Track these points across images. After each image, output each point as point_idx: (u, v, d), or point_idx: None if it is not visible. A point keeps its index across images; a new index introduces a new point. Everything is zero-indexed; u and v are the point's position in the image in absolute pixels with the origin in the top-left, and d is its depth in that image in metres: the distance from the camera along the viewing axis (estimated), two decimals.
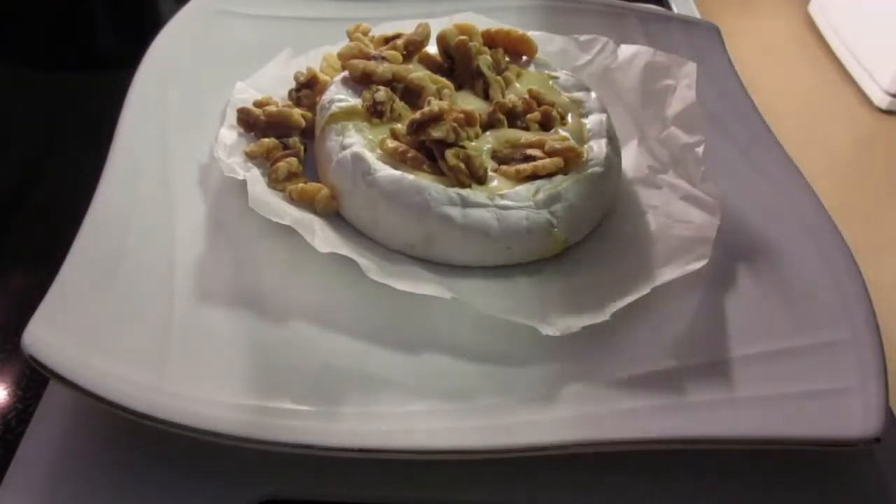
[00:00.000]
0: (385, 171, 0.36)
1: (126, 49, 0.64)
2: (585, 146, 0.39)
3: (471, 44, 0.42)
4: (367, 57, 0.42)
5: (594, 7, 0.55)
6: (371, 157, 0.37)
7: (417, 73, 0.41)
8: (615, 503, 0.31)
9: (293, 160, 0.39)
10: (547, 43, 0.48)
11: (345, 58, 0.42)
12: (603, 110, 0.42)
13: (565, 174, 0.38)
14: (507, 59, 0.44)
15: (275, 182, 0.39)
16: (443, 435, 0.29)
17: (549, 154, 0.38)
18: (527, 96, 0.41)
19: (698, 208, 0.39)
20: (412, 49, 0.43)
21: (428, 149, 0.37)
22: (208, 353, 0.32)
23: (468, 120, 0.38)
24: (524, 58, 0.46)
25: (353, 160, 0.37)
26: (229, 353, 0.32)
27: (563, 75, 0.45)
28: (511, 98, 0.40)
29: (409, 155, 0.37)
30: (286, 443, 0.28)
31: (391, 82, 0.41)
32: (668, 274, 0.35)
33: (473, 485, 0.31)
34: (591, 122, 0.41)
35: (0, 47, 0.61)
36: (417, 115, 0.37)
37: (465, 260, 0.37)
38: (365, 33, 0.45)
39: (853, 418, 0.30)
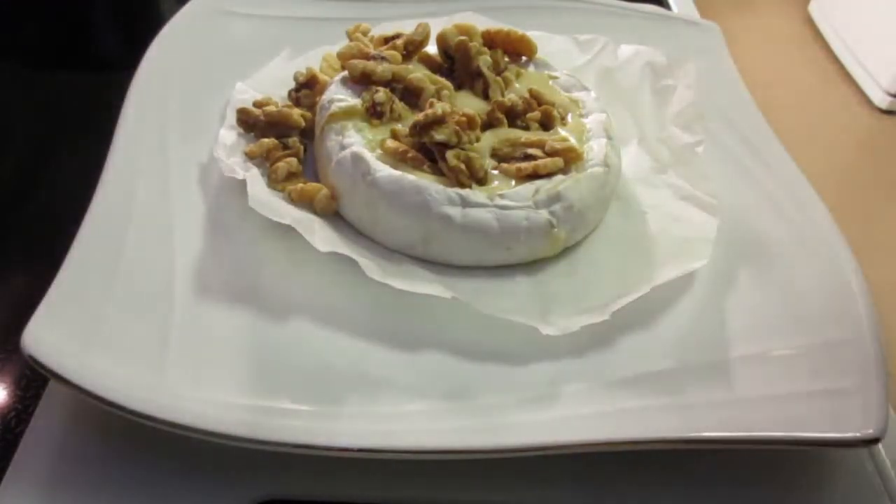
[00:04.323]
0: (385, 171, 0.36)
1: (126, 49, 0.64)
2: (585, 146, 0.39)
3: (471, 44, 0.42)
4: (367, 57, 0.42)
5: (594, 7, 0.55)
6: (371, 157, 0.37)
7: (417, 73, 0.41)
8: (615, 503, 0.31)
9: (293, 160, 0.39)
10: (547, 43, 0.48)
11: (344, 58, 0.42)
12: (603, 110, 0.42)
13: (565, 174, 0.38)
14: (506, 59, 0.44)
15: (275, 182, 0.39)
16: (443, 435, 0.29)
17: (550, 154, 0.38)
18: (527, 96, 0.41)
19: (698, 208, 0.39)
20: (412, 49, 0.43)
21: (428, 149, 0.37)
22: (208, 353, 0.32)
23: (470, 123, 0.38)
24: (524, 58, 0.46)
25: (353, 160, 0.37)
26: (229, 353, 0.32)
27: (562, 75, 0.45)
28: (511, 97, 0.40)
29: (410, 155, 0.37)
30: (286, 443, 0.28)
31: (391, 82, 0.41)
32: (668, 274, 0.35)
33: (473, 485, 0.31)
34: (591, 122, 0.41)
35: (0, 47, 0.61)
36: (420, 116, 0.37)
37: (465, 260, 0.37)
38: (365, 33, 0.45)
39: (853, 418, 0.30)
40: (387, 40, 0.44)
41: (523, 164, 0.37)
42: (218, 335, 0.32)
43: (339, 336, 0.33)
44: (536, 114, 0.40)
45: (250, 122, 0.41)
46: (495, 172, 0.38)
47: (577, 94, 0.43)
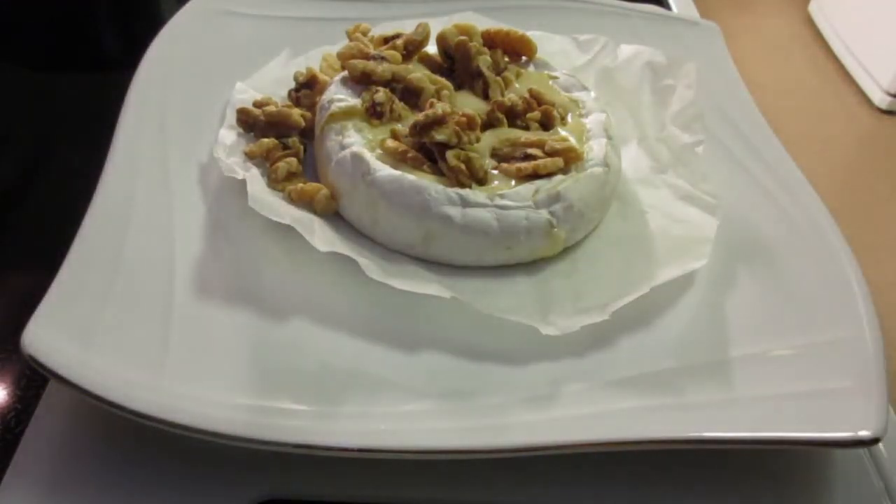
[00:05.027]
0: (385, 170, 0.36)
1: (126, 49, 0.64)
2: (585, 146, 0.39)
3: (471, 44, 0.42)
4: (367, 57, 0.42)
5: (594, 7, 0.55)
6: (370, 157, 0.37)
7: (417, 73, 0.41)
8: (615, 503, 0.31)
9: (293, 160, 0.39)
10: (547, 43, 0.48)
11: (344, 58, 0.42)
12: (603, 110, 0.42)
13: (565, 174, 0.38)
14: (506, 59, 0.44)
15: (274, 182, 0.39)
16: (443, 435, 0.29)
17: (550, 154, 0.38)
18: (527, 96, 0.41)
19: (698, 208, 0.39)
20: (412, 49, 0.43)
21: (428, 149, 0.37)
22: (208, 353, 0.32)
23: (470, 123, 0.38)
24: (524, 58, 0.46)
25: (353, 160, 0.37)
26: (229, 353, 0.32)
27: (562, 75, 0.45)
28: (511, 97, 0.40)
29: (410, 155, 0.37)
30: (286, 443, 0.28)
31: (390, 82, 0.41)
32: (667, 274, 0.35)
33: (473, 485, 0.31)
34: (591, 122, 0.41)
35: (0, 47, 0.61)
36: (421, 117, 0.37)
37: (465, 260, 0.37)
38: (365, 33, 0.45)
39: (853, 418, 0.30)
40: (387, 40, 0.44)
41: (523, 164, 0.37)
42: (218, 335, 0.32)
43: (339, 336, 0.33)
44: (536, 114, 0.40)
45: (250, 122, 0.41)
46: (495, 172, 0.38)
47: (576, 94, 0.43)
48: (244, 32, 0.49)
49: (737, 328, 0.34)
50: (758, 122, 0.46)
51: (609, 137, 0.40)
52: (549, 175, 0.37)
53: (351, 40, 0.44)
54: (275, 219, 0.35)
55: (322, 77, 0.44)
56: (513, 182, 0.37)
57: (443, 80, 0.41)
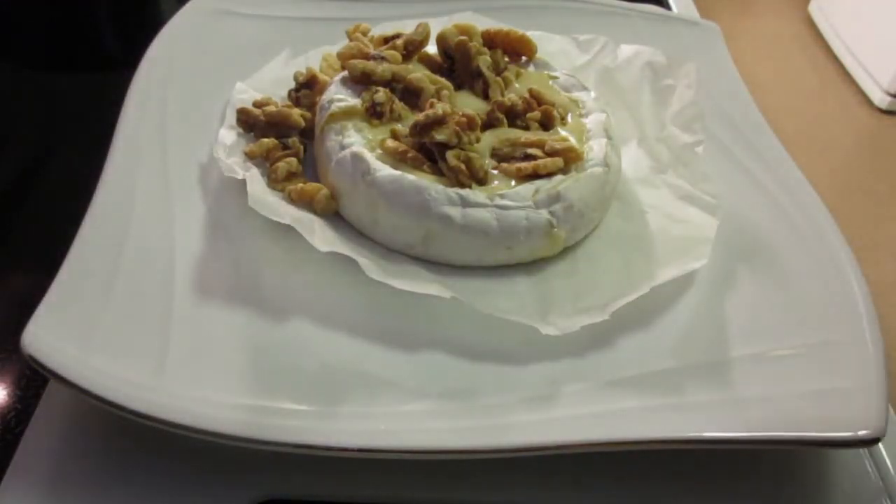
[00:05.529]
0: (385, 170, 0.36)
1: (126, 49, 0.64)
2: (585, 146, 0.39)
3: (471, 44, 0.42)
4: (367, 57, 0.42)
5: (594, 7, 0.55)
6: (370, 157, 0.37)
7: (417, 73, 0.41)
8: (615, 503, 0.31)
9: (293, 160, 0.39)
10: (547, 43, 0.48)
11: (344, 58, 0.42)
12: (603, 110, 0.42)
13: (565, 174, 0.38)
14: (506, 59, 0.44)
15: (274, 182, 0.39)
16: (443, 435, 0.29)
17: (550, 154, 0.38)
18: (527, 96, 0.41)
19: (698, 208, 0.39)
20: (412, 49, 0.43)
21: (428, 149, 0.37)
22: (208, 353, 0.32)
23: (470, 123, 0.38)
24: (524, 58, 0.46)
25: (353, 160, 0.37)
26: (229, 353, 0.32)
27: (562, 75, 0.45)
28: (511, 97, 0.40)
29: (410, 155, 0.37)
30: (286, 443, 0.28)
31: (390, 82, 0.41)
32: (667, 274, 0.35)
33: (473, 485, 0.31)
34: (591, 122, 0.41)
35: (0, 47, 0.61)
36: (421, 117, 0.37)
37: (465, 260, 0.37)
38: (365, 33, 0.45)
39: (853, 418, 0.30)
40: (387, 40, 0.44)
41: (523, 164, 0.37)
42: (218, 335, 0.32)
43: (339, 336, 0.33)
44: (536, 114, 0.40)
45: (250, 122, 0.41)
46: (495, 172, 0.38)
47: (576, 94, 0.43)
48: (244, 32, 0.49)
49: (737, 328, 0.34)
50: (758, 122, 0.46)
51: (609, 137, 0.40)
52: (549, 175, 0.37)
53: (351, 40, 0.44)
54: (275, 219, 0.35)
55: (322, 77, 0.44)
56: (513, 182, 0.37)
57: (443, 80, 0.41)
